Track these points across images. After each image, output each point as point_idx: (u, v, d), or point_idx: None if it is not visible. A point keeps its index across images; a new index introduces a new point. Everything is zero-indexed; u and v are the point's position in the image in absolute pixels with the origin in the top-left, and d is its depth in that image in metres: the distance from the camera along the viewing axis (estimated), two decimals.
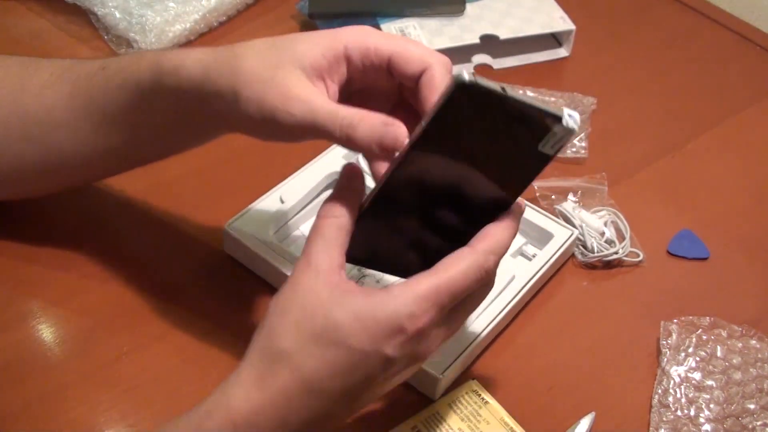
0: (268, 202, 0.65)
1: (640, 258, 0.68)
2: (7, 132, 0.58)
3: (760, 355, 0.60)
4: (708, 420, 0.57)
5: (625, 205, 0.71)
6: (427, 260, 0.46)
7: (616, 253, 0.67)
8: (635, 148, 0.78)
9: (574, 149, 0.76)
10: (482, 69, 0.85)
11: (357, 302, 0.44)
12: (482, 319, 0.59)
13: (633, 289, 0.66)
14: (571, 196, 0.71)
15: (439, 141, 0.44)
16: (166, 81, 0.51)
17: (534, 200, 0.69)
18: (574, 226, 0.67)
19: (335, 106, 0.47)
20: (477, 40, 0.84)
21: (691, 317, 0.63)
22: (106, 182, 0.68)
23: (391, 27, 0.84)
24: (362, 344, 0.43)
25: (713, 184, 0.76)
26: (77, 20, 0.86)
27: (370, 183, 0.49)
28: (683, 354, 0.60)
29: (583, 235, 0.67)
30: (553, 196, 0.70)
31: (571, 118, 0.44)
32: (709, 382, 0.59)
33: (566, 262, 0.67)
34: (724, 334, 0.62)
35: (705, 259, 0.69)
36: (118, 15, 0.83)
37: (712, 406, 0.58)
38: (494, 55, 0.86)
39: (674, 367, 0.60)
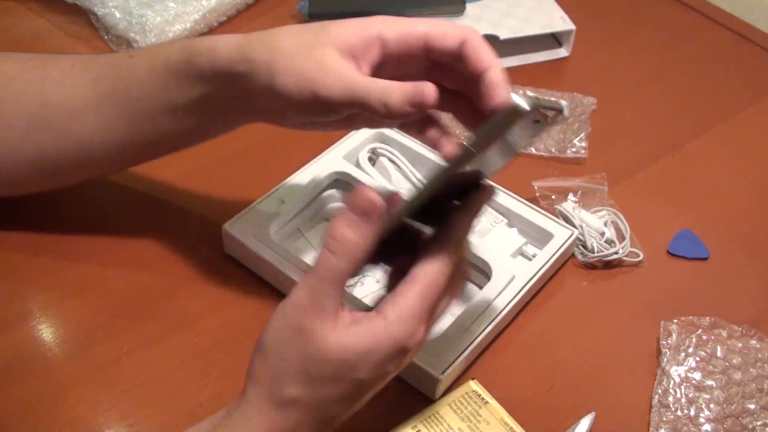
0: (268, 202, 0.65)
1: (640, 258, 0.68)
2: (28, 123, 0.58)
3: (760, 355, 0.60)
4: (708, 420, 0.57)
5: (625, 205, 0.71)
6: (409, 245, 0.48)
7: (616, 253, 0.67)
8: (635, 148, 0.78)
9: (574, 149, 0.76)
10: None
11: (360, 340, 0.45)
12: (482, 319, 0.59)
13: (633, 289, 0.66)
14: (571, 196, 0.71)
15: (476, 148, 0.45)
16: (199, 61, 0.53)
17: (534, 200, 0.69)
18: (574, 226, 0.67)
19: (370, 78, 0.49)
20: None
21: (691, 317, 0.63)
22: (107, 182, 0.68)
23: None
24: (370, 375, 0.45)
25: (713, 184, 0.75)
26: (77, 20, 0.86)
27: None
28: (683, 354, 0.60)
29: (583, 235, 0.67)
30: (553, 196, 0.70)
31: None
32: (709, 382, 0.59)
33: (566, 262, 0.67)
34: (724, 334, 0.62)
35: (705, 259, 0.69)
36: (118, 15, 0.83)
37: (712, 406, 0.58)
38: None
39: (674, 367, 0.60)
